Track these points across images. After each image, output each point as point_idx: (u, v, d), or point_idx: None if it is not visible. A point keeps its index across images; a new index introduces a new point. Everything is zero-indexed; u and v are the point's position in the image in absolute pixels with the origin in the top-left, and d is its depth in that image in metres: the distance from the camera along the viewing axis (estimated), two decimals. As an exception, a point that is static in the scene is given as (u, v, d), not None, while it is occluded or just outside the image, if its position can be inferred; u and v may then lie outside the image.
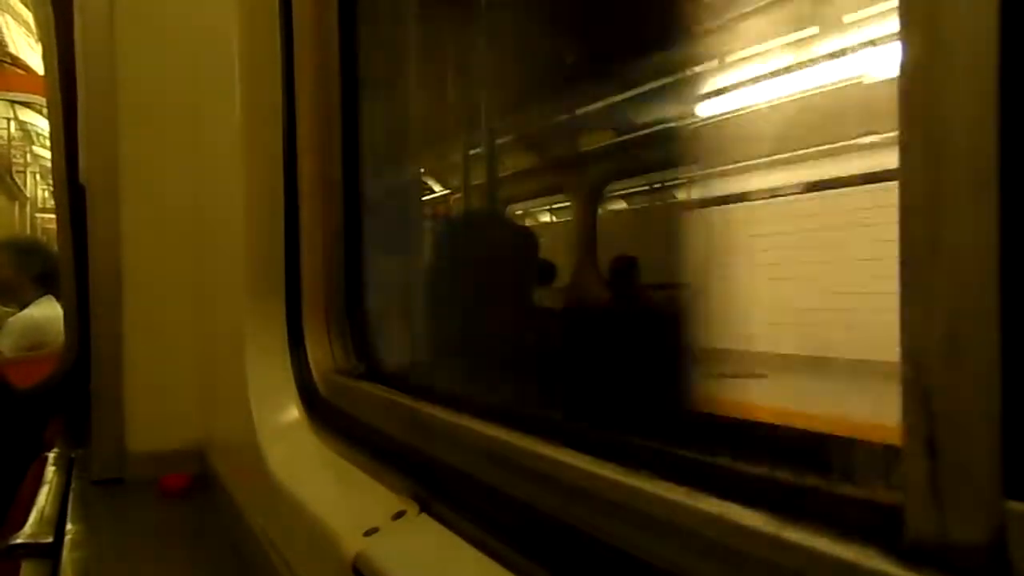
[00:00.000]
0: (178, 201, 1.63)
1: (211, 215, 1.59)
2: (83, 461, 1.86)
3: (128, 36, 1.63)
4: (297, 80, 1.27)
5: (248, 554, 1.17)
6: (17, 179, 14.71)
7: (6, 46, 10.07)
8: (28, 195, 15.13)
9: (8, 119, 12.49)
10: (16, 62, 9.84)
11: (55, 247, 3.03)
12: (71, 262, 2.09)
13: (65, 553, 1.28)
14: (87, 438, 1.87)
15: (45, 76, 2.27)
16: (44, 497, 1.63)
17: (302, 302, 1.27)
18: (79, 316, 2.08)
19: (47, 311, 3.64)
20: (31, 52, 10.04)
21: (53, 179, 2.32)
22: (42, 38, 2.29)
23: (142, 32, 1.63)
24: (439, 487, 0.80)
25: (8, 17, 9.70)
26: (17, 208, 14.99)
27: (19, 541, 1.37)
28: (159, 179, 1.62)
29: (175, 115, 1.62)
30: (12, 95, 8.69)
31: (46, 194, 14.83)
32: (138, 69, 1.63)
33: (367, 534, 0.78)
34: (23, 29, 9.71)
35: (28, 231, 13.28)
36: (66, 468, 1.86)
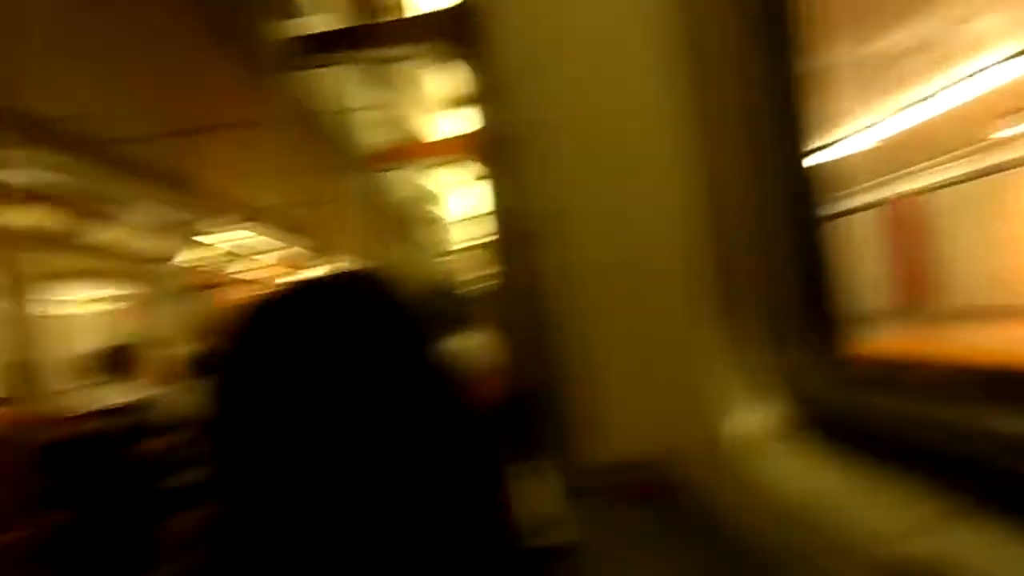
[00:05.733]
0: (616, 232, 1.72)
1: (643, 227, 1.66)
2: (544, 474, 2.06)
3: (550, 85, 1.74)
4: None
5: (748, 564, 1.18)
6: (420, 232, 17.27)
7: (409, 129, 11.91)
8: (428, 244, 17.65)
9: (411, 185, 14.79)
10: (416, 139, 11.62)
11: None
12: (514, 298, 2.37)
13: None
14: (542, 452, 2.08)
15: (476, 135, 2.63)
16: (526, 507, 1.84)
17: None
18: (522, 346, 2.35)
19: (465, 343, 4.26)
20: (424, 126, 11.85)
21: (498, 225, 2.66)
22: (470, 101, 2.63)
23: (563, 77, 1.73)
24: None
25: (415, 109, 11.50)
26: (422, 255, 17.62)
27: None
28: (601, 216, 1.73)
29: (606, 151, 1.71)
30: (415, 164, 10.24)
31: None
32: (562, 110, 1.75)
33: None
34: (419, 109, 11.46)
35: (431, 274, 15.45)
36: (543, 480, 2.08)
